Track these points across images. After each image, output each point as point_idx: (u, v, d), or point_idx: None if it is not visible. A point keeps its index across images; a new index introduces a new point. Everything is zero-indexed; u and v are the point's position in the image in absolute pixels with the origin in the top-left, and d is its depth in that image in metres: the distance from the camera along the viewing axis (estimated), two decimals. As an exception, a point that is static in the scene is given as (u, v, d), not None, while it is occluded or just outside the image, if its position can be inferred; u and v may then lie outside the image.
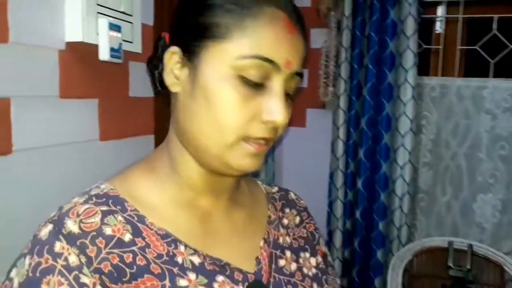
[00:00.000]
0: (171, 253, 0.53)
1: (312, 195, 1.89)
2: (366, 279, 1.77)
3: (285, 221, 0.67)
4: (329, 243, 1.80)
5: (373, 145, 1.75)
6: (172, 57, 0.54)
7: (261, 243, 0.61)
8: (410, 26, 1.64)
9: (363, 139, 1.75)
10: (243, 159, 0.52)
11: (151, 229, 0.53)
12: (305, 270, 0.64)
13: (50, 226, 0.50)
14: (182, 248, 0.54)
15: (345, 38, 1.73)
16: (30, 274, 0.47)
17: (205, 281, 0.53)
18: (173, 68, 0.55)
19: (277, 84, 0.52)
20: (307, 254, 0.66)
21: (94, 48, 0.84)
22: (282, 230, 0.65)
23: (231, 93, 0.50)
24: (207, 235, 0.57)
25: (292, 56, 0.52)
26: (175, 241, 0.53)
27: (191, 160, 0.56)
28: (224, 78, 0.51)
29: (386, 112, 1.71)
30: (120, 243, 0.50)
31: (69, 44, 0.82)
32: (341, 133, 1.78)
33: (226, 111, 0.50)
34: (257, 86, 0.51)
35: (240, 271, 0.56)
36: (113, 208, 0.53)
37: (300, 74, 0.54)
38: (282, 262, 0.62)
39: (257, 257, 0.59)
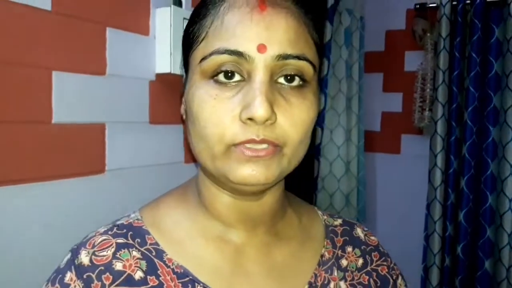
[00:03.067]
0: None
1: (408, 227, 1.78)
2: (470, 323, 1.59)
3: (344, 262, 0.56)
4: (425, 280, 1.67)
5: (477, 175, 1.60)
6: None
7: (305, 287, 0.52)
8: (518, 44, 1.49)
9: (465, 168, 1.61)
10: (238, 168, 0.44)
11: (168, 267, 0.48)
12: None
13: (69, 255, 0.50)
14: None
15: (442, 60, 1.63)
16: None
17: None
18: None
19: (254, 75, 0.43)
20: None
21: (180, 78, 0.92)
22: (337, 273, 0.54)
23: (205, 99, 0.44)
24: (235, 275, 0.50)
25: (267, 37, 0.42)
26: (193, 282, 0.48)
27: (213, 187, 0.50)
28: (198, 87, 0.45)
29: (492, 138, 1.56)
30: (129, 280, 0.47)
31: (159, 75, 0.91)
32: (439, 161, 1.66)
33: (205, 121, 0.44)
34: (235, 84, 0.44)
35: None
36: (130, 241, 0.50)
37: (299, 57, 0.44)
38: None
39: None
